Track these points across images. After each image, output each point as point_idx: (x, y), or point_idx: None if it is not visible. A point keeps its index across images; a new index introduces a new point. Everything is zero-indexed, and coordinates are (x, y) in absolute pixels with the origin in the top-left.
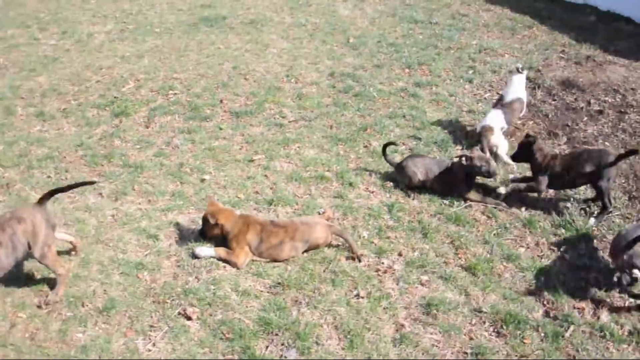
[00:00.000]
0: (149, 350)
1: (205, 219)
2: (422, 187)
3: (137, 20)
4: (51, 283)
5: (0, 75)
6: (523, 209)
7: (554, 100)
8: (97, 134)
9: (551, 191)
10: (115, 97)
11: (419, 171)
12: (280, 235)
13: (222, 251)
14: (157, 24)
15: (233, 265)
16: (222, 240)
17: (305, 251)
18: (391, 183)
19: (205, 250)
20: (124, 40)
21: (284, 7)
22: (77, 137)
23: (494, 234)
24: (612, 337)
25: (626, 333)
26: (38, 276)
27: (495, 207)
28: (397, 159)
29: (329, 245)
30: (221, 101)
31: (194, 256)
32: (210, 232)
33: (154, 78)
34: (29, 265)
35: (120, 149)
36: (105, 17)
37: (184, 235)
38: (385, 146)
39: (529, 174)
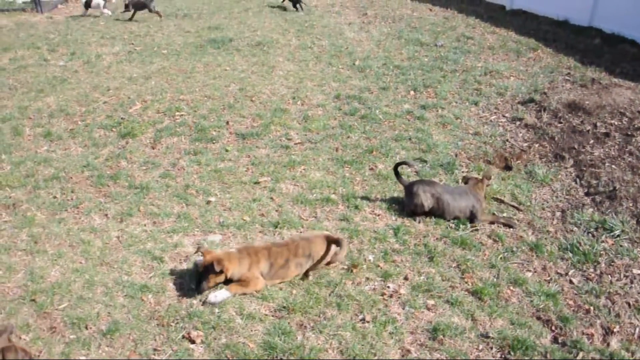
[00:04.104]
0: None
1: (206, 269)
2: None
3: (144, 42)
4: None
5: (9, 96)
6: (530, 232)
7: (560, 122)
8: (103, 154)
9: (558, 214)
10: (122, 118)
11: (427, 202)
12: (285, 253)
13: (237, 287)
14: (164, 46)
15: (252, 292)
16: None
17: (311, 268)
18: (397, 206)
19: (220, 294)
20: (132, 62)
21: (290, 30)
22: (83, 157)
23: (501, 258)
24: None
25: None
26: (43, 297)
27: (506, 223)
28: (406, 179)
29: (333, 267)
30: (227, 123)
31: (211, 305)
32: (213, 282)
33: (160, 99)
34: (33, 287)
35: (126, 170)
36: (114, 38)
37: (189, 258)
38: (396, 166)
39: None
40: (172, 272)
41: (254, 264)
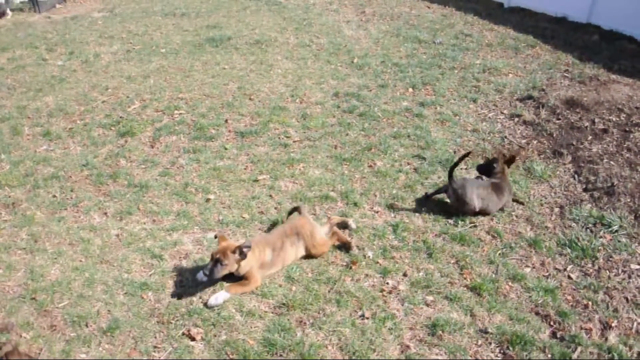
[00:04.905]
0: None
1: (228, 256)
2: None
3: (143, 41)
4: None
5: (8, 95)
6: (528, 228)
7: (558, 119)
8: (102, 153)
9: (556, 210)
10: (120, 117)
11: (477, 203)
12: (279, 237)
13: (236, 287)
14: (162, 45)
15: (252, 290)
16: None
17: (307, 257)
18: (395, 202)
19: (220, 296)
20: (130, 61)
21: (288, 28)
22: (82, 156)
23: (499, 254)
24: (621, 359)
25: (635, 354)
26: (43, 295)
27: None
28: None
29: (333, 263)
30: (226, 121)
31: (211, 308)
32: (227, 269)
33: (159, 98)
34: (33, 285)
35: (125, 169)
36: (112, 37)
37: (188, 256)
38: (458, 161)
39: None
40: (172, 270)
41: (261, 254)
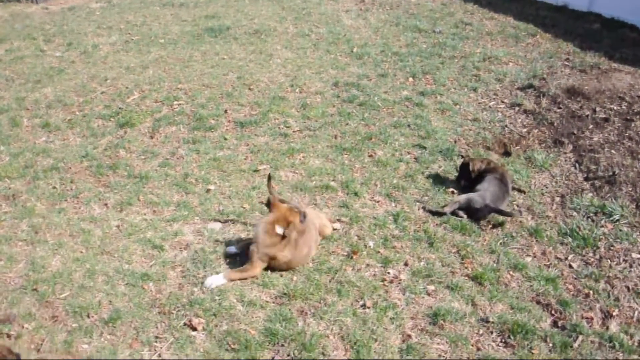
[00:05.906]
0: None
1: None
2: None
3: (141, 32)
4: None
5: (6, 87)
6: (529, 217)
7: (559, 108)
8: (102, 144)
9: (557, 199)
10: (120, 108)
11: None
12: (307, 242)
13: (234, 274)
14: (161, 35)
15: (250, 278)
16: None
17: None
18: (396, 192)
19: (216, 279)
20: (129, 52)
21: (287, 17)
22: (82, 147)
23: (500, 243)
24: (622, 348)
25: (636, 343)
26: (44, 286)
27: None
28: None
29: (334, 253)
30: (226, 111)
31: (206, 288)
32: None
33: (158, 89)
34: (34, 277)
35: (125, 160)
36: (110, 28)
37: (189, 246)
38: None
39: None
40: (173, 261)
41: (284, 248)
